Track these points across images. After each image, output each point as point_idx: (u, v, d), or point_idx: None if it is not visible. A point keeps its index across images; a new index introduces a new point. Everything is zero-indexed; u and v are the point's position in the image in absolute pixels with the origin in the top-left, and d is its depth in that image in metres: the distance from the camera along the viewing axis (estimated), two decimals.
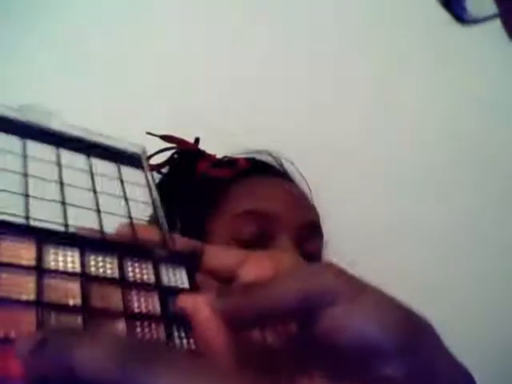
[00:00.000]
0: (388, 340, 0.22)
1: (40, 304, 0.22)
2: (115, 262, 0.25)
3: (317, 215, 0.61)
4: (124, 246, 0.26)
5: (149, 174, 0.32)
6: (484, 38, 0.99)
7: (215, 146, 0.65)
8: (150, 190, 0.31)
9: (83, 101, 0.87)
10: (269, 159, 0.67)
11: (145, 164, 0.33)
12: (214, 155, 0.64)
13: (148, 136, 0.62)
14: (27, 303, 0.22)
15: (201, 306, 0.23)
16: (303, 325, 0.24)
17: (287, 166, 0.67)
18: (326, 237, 0.61)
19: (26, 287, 0.22)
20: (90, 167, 0.31)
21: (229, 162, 0.62)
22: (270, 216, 0.56)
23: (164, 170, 0.64)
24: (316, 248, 0.58)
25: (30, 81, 0.88)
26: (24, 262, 0.23)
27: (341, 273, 0.24)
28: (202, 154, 0.63)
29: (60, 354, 0.19)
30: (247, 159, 0.63)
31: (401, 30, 0.98)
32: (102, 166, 0.31)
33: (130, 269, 0.26)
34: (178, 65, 0.93)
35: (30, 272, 0.23)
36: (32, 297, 0.22)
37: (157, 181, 0.64)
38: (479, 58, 0.97)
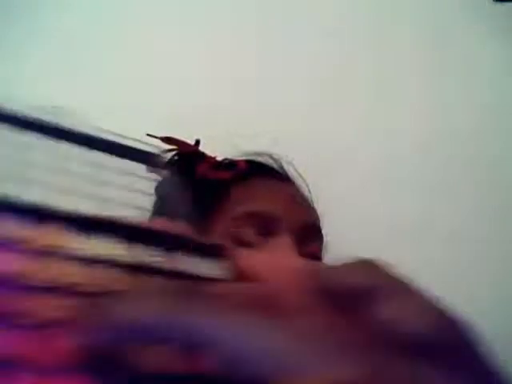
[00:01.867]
0: None
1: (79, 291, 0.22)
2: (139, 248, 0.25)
3: (317, 217, 0.61)
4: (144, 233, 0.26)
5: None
6: (484, 38, 0.99)
7: (216, 148, 0.65)
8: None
9: (82, 102, 0.87)
10: (269, 161, 0.67)
11: (160, 163, 0.34)
12: (215, 157, 0.64)
13: (148, 138, 0.62)
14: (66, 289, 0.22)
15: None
16: None
17: (287, 167, 0.67)
18: (326, 238, 0.61)
19: (66, 273, 0.22)
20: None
21: (229, 164, 0.62)
22: (271, 218, 0.56)
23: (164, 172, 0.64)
24: (316, 250, 0.58)
25: (27, 80, 0.88)
26: (62, 248, 0.23)
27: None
28: (203, 156, 0.63)
29: (102, 319, 0.20)
30: (247, 161, 0.63)
31: (401, 30, 0.98)
32: (120, 164, 0.32)
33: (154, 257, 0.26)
34: (178, 66, 0.93)
35: (68, 259, 0.23)
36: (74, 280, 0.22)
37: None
38: (479, 58, 0.97)
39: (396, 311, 0.21)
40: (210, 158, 0.64)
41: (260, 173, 0.62)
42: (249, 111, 0.89)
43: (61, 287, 0.22)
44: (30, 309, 0.20)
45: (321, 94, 0.95)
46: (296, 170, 0.67)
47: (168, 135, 0.63)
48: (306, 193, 0.65)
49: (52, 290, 0.21)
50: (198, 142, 0.65)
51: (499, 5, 0.97)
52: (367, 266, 0.23)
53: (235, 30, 0.96)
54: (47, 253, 0.23)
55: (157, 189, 0.67)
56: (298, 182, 0.66)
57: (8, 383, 0.18)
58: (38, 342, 0.20)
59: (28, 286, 0.21)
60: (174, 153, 0.64)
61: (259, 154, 0.67)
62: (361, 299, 0.22)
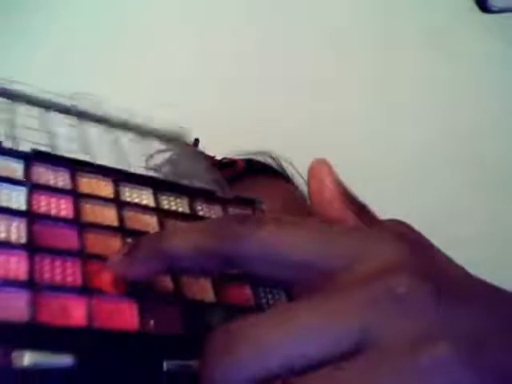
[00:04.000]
0: None
1: (123, 231, 0.25)
2: (185, 201, 0.30)
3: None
4: (193, 189, 0.31)
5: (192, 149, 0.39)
6: (484, 38, 0.99)
7: (215, 147, 0.65)
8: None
9: None
10: (268, 160, 0.67)
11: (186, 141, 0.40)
12: (213, 156, 0.64)
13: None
14: (113, 229, 0.25)
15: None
16: None
17: (287, 166, 0.67)
18: None
19: (108, 216, 0.26)
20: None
21: (228, 163, 0.62)
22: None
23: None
24: None
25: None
26: (103, 195, 0.27)
27: None
28: (201, 155, 0.63)
29: (153, 250, 0.21)
30: (246, 160, 0.63)
31: (400, 29, 0.98)
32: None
33: (199, 207, 0.30)
34: (177, 66, 0.93)
35: (109, 204, 0.27)
36: (116, 224, 0.26)
37: None
38: (479, 58, 0.97)
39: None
40: (209, 156, 0.63)
41: (259, 172, 0.62)
42: (248, 111, 0.89)
43: (103, 227, 0.25)
44: (82, 244, 0.24)
45: (321, 94, 0.95)
46: (295, 169, 0.67)
47: None
48: (306, 192, 0.65)
49: (97, 228, 0.25)
50: (197, 141, 0.64)
51: (486, 14, 0.98)
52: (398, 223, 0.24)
53: (235, 30, 0.96)
54: (90, 198, 0.26)
55: None
56: (298, 180, 0.66)
57: (65, 304, 0.21)
58: (91, 271, 0.22)
59: (79, 225, 0.25)
60: (172, 152, 0.64)
61: (259, 153, 0.66)
62: None
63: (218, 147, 0.64)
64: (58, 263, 0.22)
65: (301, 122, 0.92)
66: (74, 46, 0.94)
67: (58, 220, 0.24)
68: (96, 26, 0.96)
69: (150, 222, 0.27)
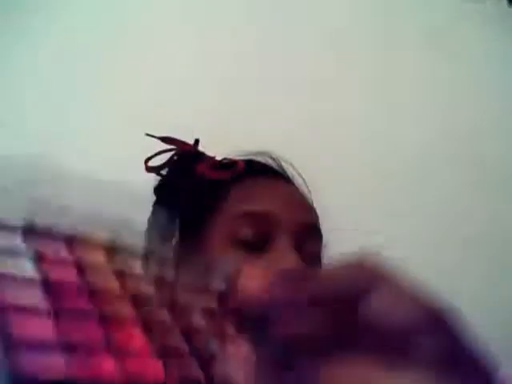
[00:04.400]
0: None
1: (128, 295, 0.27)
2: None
3: (316, 217, 0.61)
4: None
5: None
6: (484, 37, 0.99)
7: (215, 148, 0.65)
8: None
9: (82, 102, 0.87)
10: (268, 161, 0.66)
11: None
12: (214, 157, 0.64)
13: (147, 137, 0.62)
14: (121, 295, 0.27)
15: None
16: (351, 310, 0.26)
17: (287, 167, 0.67)
18: (325, 238, 0.61)
19: (112, 283, 0.27)
20: None
21: (228, 164, 0.62)
22: (269, 217, 0.55)
23: (163, 172, 0.64)
24: (316, 250, 0.58)
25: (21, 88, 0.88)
26: (100, 264, 0.28)
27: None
28: (201, 155, 0.63)
29: None
30: (246, 161, 0.62)
31: (400, 29, 0.98)
32: None
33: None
34: (177, 66, 0.93)
35: (109, 272, 0.28)
36: (120, 290, 0.27)
37: (156, 183, 0.64)
38: (479, 58, 0.97)
39: (383, 305, 0.23)
40: (209, 157, 0.63)
41: (259, 172, 0.62)
42: (249, 111, 0.89)
43: (111, 292, 0.26)
44: (99, 307, 0.25)
45: (321, 94, 0.95)
46: (295, 170, 0.67)
47: (167, 135, 0.63)
48: (306, 192, 0.65)
49: (106, 293, 0.26)
50: (197, 142, 0.65)
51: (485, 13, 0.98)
52: (358, 267, 0.25)
53: (235, 30, 0.96)
54: (91, 266, 0.27)
55: (155, 191, 0.67)
56: (298, 181, 0.66)
57: (94, 363, 0.22)
58: (112, 331, 0.24)
59: (91, 290, 0.26)
60: (173, 153, 0.64)
61: (259, 154, 0.66)
62: (350, 298, 0.24)
63: (217, 147, 0.64)
64: (81, 325, 0.23)
65: (301, 122, 0.92)
66: (74, 45, 0.94)
67: (70, 285, 0.25)
68: (96, 25, 0.96)
69: (147, 288, 0.28)
